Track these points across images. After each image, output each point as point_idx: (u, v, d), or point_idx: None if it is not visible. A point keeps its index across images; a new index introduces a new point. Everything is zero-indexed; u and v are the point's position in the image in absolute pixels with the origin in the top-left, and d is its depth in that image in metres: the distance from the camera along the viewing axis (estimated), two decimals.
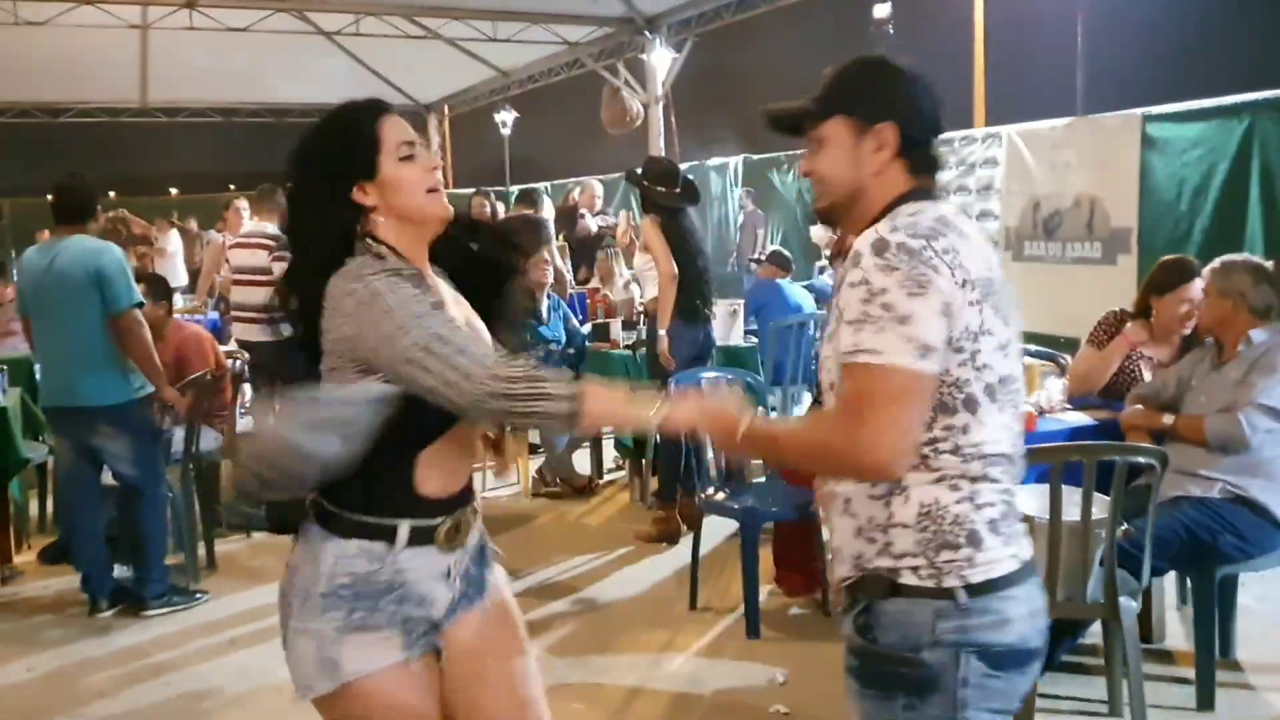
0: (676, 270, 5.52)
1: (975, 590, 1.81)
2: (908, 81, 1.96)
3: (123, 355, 4.79)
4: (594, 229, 10.31)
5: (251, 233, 7.00)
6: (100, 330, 4.73)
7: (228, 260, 9.42)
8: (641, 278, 6.90)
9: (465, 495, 2.14)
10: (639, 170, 5.75)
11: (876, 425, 1.73)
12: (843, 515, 1.91)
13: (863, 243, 1.81)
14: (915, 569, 1.82)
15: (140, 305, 4.84)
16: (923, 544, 1.81)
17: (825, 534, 2.02)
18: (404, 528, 2.03)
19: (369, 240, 2.07)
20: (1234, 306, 3.92)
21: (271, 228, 6.81)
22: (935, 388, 1.77)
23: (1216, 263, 4.08)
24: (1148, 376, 4.38)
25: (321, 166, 2.10)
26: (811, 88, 2.33)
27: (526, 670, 2.27)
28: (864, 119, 1.92)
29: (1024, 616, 1.84)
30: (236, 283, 6.92)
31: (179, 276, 11.90)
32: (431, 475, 2.06)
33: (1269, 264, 4.10)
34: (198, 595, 5.13)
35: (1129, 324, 4.47)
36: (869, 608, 1.86)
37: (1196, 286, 4.27)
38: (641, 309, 7.01)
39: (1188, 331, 4.38)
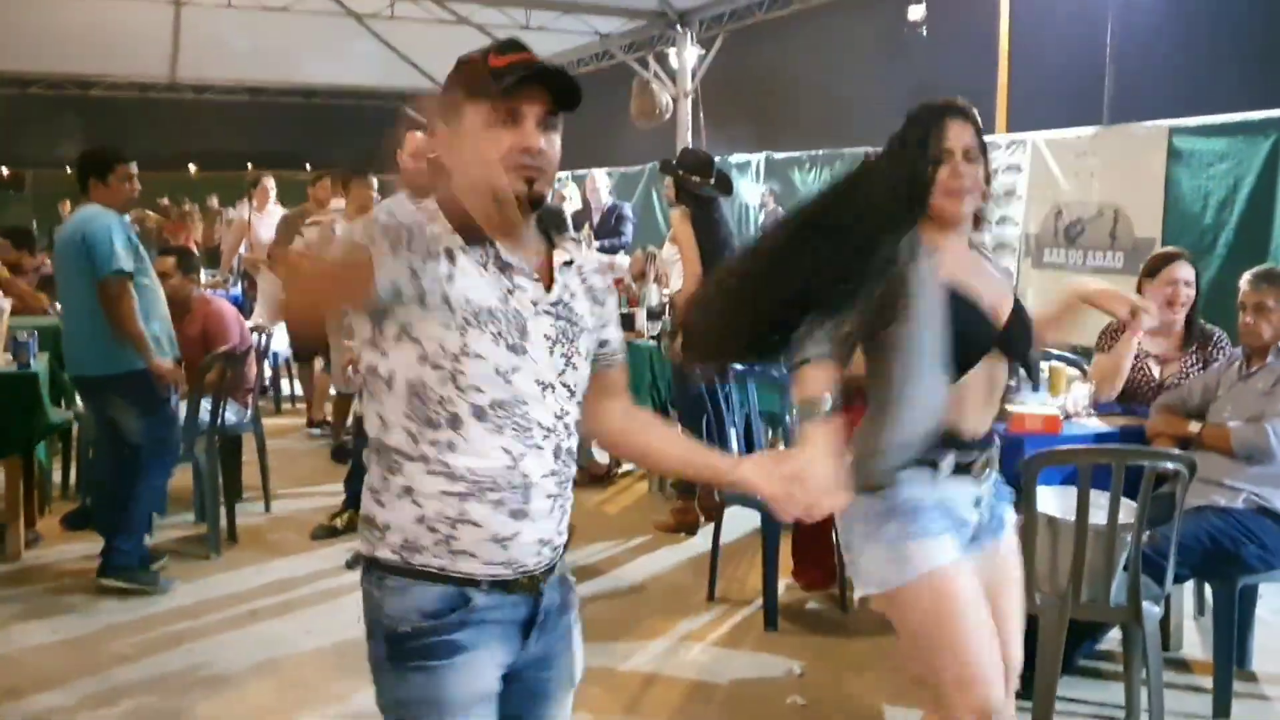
0: (701, 271, 5.53)
1: None
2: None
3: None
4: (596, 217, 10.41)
5: (333, 211, 7.38)
6: (94, 298, 4.64)
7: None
8: (668, 269, 6.91)
9: (989, 439, 2.55)
10: (673, 160, 5.76)
11: None
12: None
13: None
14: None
15: (121, 273, 4.64)
16: None
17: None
18: (948, 459, 2.44)
19: None
20: None
21: None
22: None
23: None
24: (1156, 371, 4.44)
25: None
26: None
27: (1015, 610, 2.60)
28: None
29: None
30: None
31: None
32: (966, 416, 2.46)
33: None
34: (161, 582, 4.90)
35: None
36: None
37: (1182, 269, 4.39)
38: (668, 299, 7.03)
39: (1177, 316, 4.43)
